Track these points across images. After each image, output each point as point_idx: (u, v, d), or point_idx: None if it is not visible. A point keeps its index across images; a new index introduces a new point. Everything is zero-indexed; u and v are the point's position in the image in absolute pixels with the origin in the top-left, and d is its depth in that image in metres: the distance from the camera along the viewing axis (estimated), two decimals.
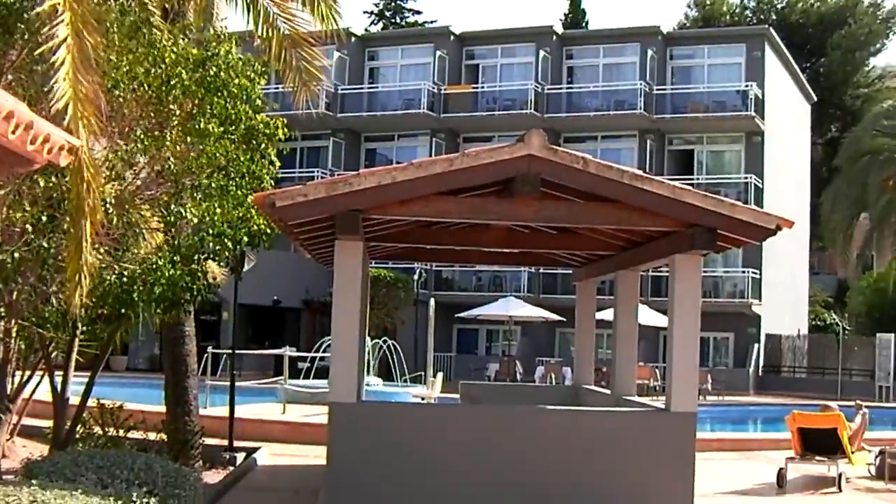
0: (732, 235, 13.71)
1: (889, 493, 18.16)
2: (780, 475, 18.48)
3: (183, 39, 14.09)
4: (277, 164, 15.72)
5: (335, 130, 54.18)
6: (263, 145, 15.10)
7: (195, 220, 14.06)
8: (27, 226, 11.74)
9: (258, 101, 15.16)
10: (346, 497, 13.31)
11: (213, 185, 14.06)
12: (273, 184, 15.59)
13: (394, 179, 12.70)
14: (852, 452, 18.68)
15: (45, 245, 11.87)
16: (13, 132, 6.65)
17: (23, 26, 11.60)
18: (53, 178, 11.58)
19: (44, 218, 11.89)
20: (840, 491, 17.98)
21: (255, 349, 40.84)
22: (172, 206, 13.52)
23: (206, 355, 26.28)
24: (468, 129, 53.74)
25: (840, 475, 18.19)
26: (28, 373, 15.45)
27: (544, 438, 13.87)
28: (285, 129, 15.44)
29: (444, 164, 12.88)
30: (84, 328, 14.82)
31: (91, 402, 16.22)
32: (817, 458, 18.79)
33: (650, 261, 15.92)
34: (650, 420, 14.52)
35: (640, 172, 13.60)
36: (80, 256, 9.73)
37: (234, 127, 14.40)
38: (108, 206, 11.36)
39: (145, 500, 9.18)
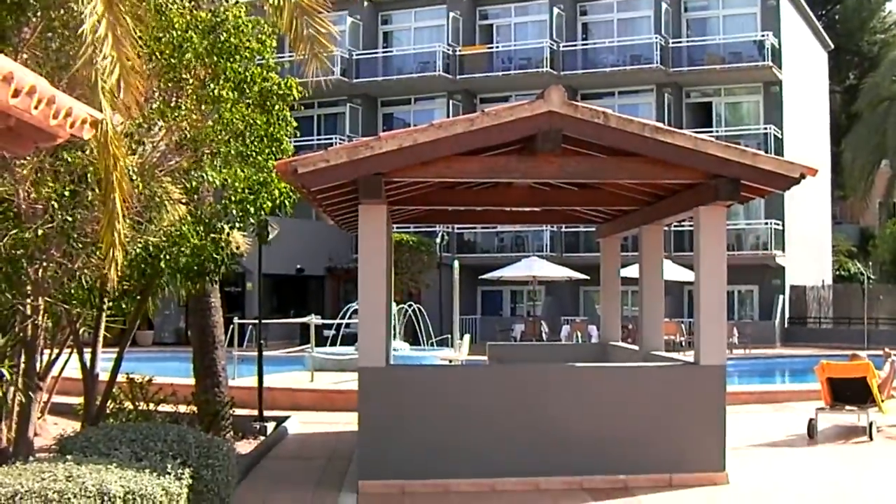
0: (756, 185, 13.63)
1: None
2: (811, 426, 18.43)
3: (190, 2, 14.00)
4: (294, 123, 15.65)
5: (351, 96, 54.09)
6: (278, 107, 15.03)
7: (217, 184, 14.02)
8: (51, 202, 11.73)
9: (271, 63, 15.09)
10: (378, 461, 13.34)
11: (233, 151, 14.02)
12: (294, 147, 15.56)
13: (415, 141, 12.66)
14: (882, 401, 18.62)
15: (70, 220, 11.86)
16: (35, 107, 6.62)
17: (36, 3, 11.55)
18: (78, 153, 11.56)
19: (67, 193, 11.88)
20: (871, 440, 17.90)
21: (279, 318, 40.93)
22: (193, 173, 13.49)
23: (231, 326, 26.33)
24: (484, 90, 53.58)
25: (871, 424, 18.10)
26: (56, 350, 15.45)
27: (575, 395, 13.87)
28: (299, 89, 15.37)
29: (465, 124, 12.82)
30: (110, 303, 14.82)
31: (120, 378, 16.24)
32: (847, 407, 18.72)
33: (674, 214, 15.84)
34: (680, 374, 14.49)
35: (661, 125, 13.52)
36: (113, 230, 9.71)
37: (248, 90, 14.34)
38: (131, 178, 11.32)
39: (179, 471, 9.18)
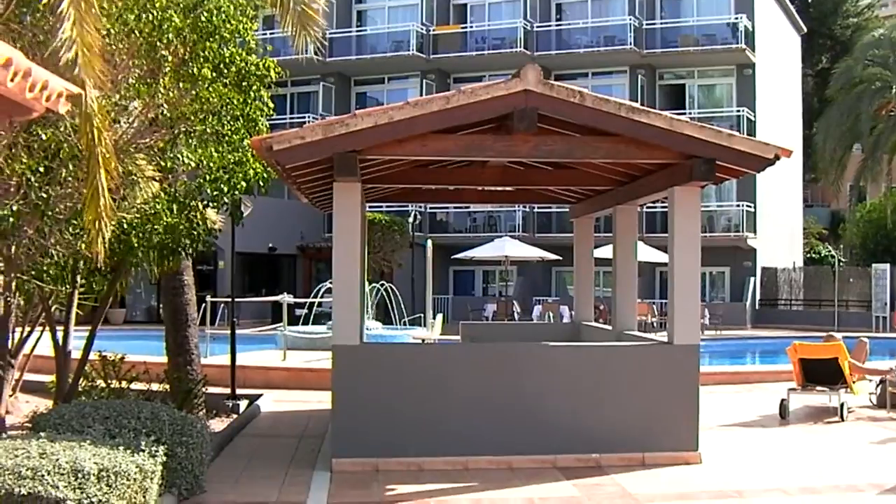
0: (731, 166, 13.67)
1: (891, 422, 18.18)
2: (783, 406, 18.53)
3: None
4: (271, 105, 15.63)
5: (325, 75, 54.03)
6: (256, 87, 15.00)
7: (192, 165, 13.98)
8: (25, 178, 11.66)
9: (252, 44, 15.05)
10: (352, 439, 13.34)
11: (208, 129, 13.98)
12: (268, 126, 15.53)
13: (390, 119, 12.63)
14: (853, 382, 18.73)
15: (45, 196, 11.79)
16: (11, 79, 6.57)
17: None
18: (52, 130, 11.49)
19: (41, 169, 11.81)
20: (842, 420, 18.02)
21: (251, 297, 40.87)
22: (168, 152, 13.44)
23: (204, 304, 26.27)
24: (458, 70, 53.62)
25: (842, 405, 18.22)
26: (28, 328, 15.40)
27: (549, 374, 13.90)
28: (277, 70, 15.34)
29: (440, 102, 12.79)
30: (83, 281, 14.77)
31: (92, 355, 16.18)
32: (819, 388, 18.83)
33: (648, 194, 15.86)
34: (654, 353, 14.51)
35: (636, 105, 13.52)
36: (99, 204, 9.67)
37: (226, 70, 14.29)
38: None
39: (154, 448, 9.18)
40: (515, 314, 44.66)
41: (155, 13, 12.95)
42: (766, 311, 50.80)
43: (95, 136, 9.42)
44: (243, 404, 19.16)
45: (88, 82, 9.09)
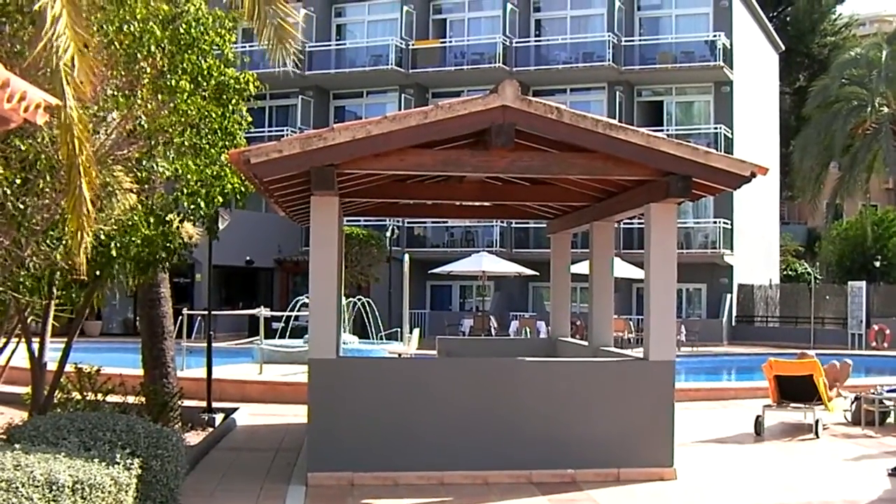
0: (707, 183, 13.74)
1: (865, 439, 18.27)
2: (758, 422, 18.59)
3: None
4: (249, 118, 15.65)
5: (304, 88, 54.02)
6: (234, 100, 15.01)
7: (168, 174, 13.95)
8: (2, 189, 11.62)
9: (230, 56, 15.06)
10: (327, 452, 13.33)
11: (186, 142, 13.97)
12: (246, 140, 15.53)
13: (368, 133, 12.66)
14: (829, 399, 18.80)
15: (21, 208, 11.76)
16: None
17: None
18: (28, 141, 11.46)
19: (18, 181, 11.77)
20: (817, 437, 18.09)
21: (228, 310, 40.78)
22: (145, 163, 13.42)
23: (180, 317, 26.21)
24: (437, 84, 53.63)
25: (817, 422, 18.29)
26: (4, 339, 15.33)
27: (525, 390, 13.91)
28: (256, 84, 15.36)
29: (418, 117, 12.83)
30: (59, 292, 14.71)
31: (68, 368, 16.12)
32: (794, 405, 18.90)
33: (625, 211, 15.92)
34: (630, 369, 14.54)
35: (614, 122, 13.58)
36: (80, 215, 9.64)
37: (205, 82, 14.30)
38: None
39: (129, 461, 9.14)
40: (492, 329, 44.65)
41: (136, 25, 12.95)
42: (742, 328, 50.89)
43: (76, 147, 9.39)
44: (219, 417, 19.12)
45: (69, 92, 9.08)
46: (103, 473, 8.54)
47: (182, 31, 13.72)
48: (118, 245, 13.43)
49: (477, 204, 19.61)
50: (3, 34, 11.56)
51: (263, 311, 29.02)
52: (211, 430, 18.21)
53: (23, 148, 11.59)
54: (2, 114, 6.87)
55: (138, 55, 12.93)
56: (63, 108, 8.64)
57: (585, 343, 18.35)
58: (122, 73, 12.83)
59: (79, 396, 16.57)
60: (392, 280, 43.57)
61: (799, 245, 73.45)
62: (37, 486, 7.90)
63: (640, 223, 39.07)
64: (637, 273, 36.37)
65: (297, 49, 14.22)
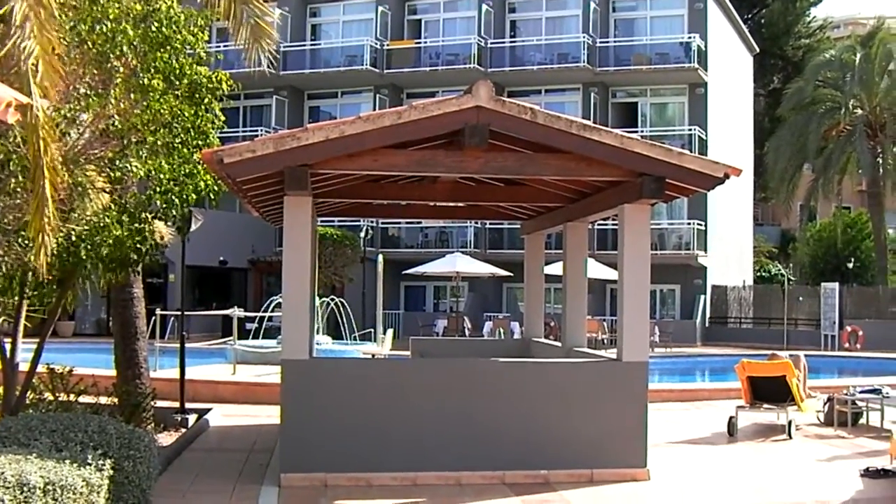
0: (681, 184, 13.77)
1: (838, 439, 18.33)
2: (731, 423, 18.63)
3: None
4: (222, 118, 15.62)
5: (278, 88, 53.93)
6: (207, 99, 14.98)
7: (141, 174, 13.90)
8: None
9: (202, 55, 15.02)
10: (301, 453, 13.30)
11: (159, 141, 13.93)
12: (219, 140, 15.49)
13: (342, 133, 12.64)
14: (801, 399, 18.86)
15: None
16: None
17: None
18: (0, 140, 11.40)
19: None
20: (790, 438, 18.13)
21: (202, 311, 40.69)
22: (118, 163, 13.37)
23: (153, 318, 26.13)
24: (411, 85, 53.64)
25: (790, 422, 18.33)
26: None
27: (498, 390, 13.91)
28: (229, 83, 15.33)
29: (392, 117, 12.81)
30: (31, 293, 14.65)
31: (40, 368, 16.04)
32: (766, 406, 18.95)
33: (599, 211, 15.95)
34: (603, 370, 14.55)
35: (588, 123, 13.58)
36: (42, 216, 9.59)
37: (178, 81, 14.26)
38: (54, 167, 11.20)
39: (101, 462, 9.12)
40: (466, 330, 44.68)
41: (108, 24, 12.90)
42: (715, 329, 51.02)
43: (41, 148, 9.35)
44: (192, 418, 19.03)
45: (36, 92, 9.04)
46: (75, 474, 8.52)
47: (154, 29, 13.68)
48: (88, 246, 13.38)
49: (451, 204, 19.61)
50: None
51: (237, 312, 28.96)
52: (184, 430, 18.13)
53: None
54: None
55: (111, 54, 12.89)
56: (30, 109, 8.60)
57: (559, 344, 18.35)
58: (95, 71, 12.78)
59: (51, 397, 16.50)
60: (366, 281, 43.51)
61: (772, 246, 73.71)
62: (8, 488, 7.86)
63: (613, 224, 39.14)
64: (611, 274, 36.43)
65: (273, 48, 14.22)
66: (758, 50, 63.85)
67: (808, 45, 77.52)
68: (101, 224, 13.27)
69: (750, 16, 75.59)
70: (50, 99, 9.89)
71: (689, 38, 49.69)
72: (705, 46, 50.00)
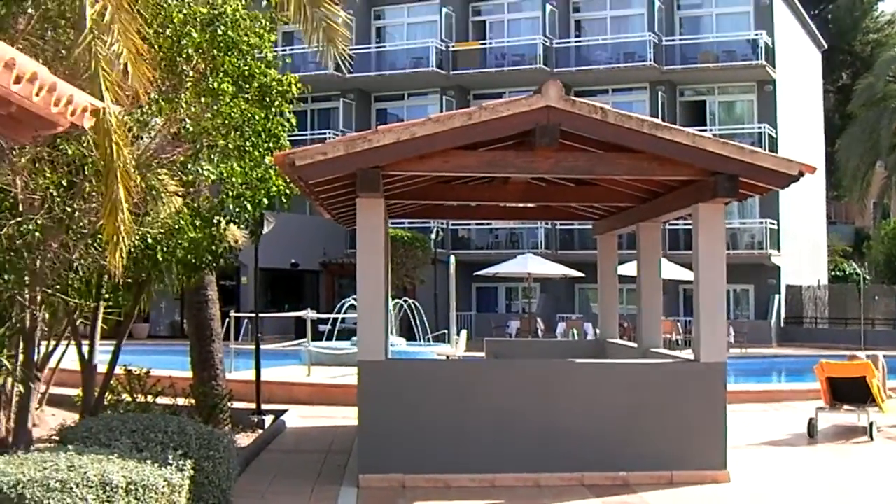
0: (754, 182, 13.62)
1: None
2: (811, 425, 18.38)
3: None
4: (293, 120, 15.70)
5: (345, 91, 54.13)
6: (277, 102, 15.05)
7: (213, 177, 13.99)
8: (49, 192, 11.71)
9: (269, 57, 15.11)
10: (378, 454, 13.31)
11: (230, 145, 14.01)
12: (290, 143, 15.56)
13: (413, 135, 12.65)
14: (882, 400, 18.58)
15: (69, 211, 11.84)
16: (37, 94, 6.60)
17: None
18: (75, 144, 11.53)
19: (64, 183, 11.85)
20: (871, 440, 17.81)
21: (274, 313, 40.91)
22: (190, 166, 13.47)
23: (227, 320, 26.30)
24: (478, 86, 53.54)
25: (871, 424, 17.99)
26: (54, 342, 15.43)
27: (576, 391, 13.85)
28: (298, 86, 15.39)
29: (462, 118, 12.80)
30: (108, 295, 14.80)
31: (117, 370, 16.22)
32: (847, 407, 18.69)
33: (672, 211, 15.83)
34: (681, 371, 14.42)
35: (659, 121, 13.52)
36: (116, 220, 9.68)
37: (247, 85, 14.35)
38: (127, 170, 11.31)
39: (181, 462, 9.18)
40: (539, 331, 44.53)
41: (174, 28, 13.01)
42: (791, 330, 50.43)
43: (114, 152, 9.44)
44: (269, 420, 19.15)
45: (108, 97, 9.12)
46: (156, 474, 8.58)
47: (220, 32, 13.76)
48: (164, 249, 13.50)
49: (521, 205, 19.58)
50: (46, 40, 11.63)
51: (310, 314, 29.09)
52: (261, 431, 18.24)
53: (69, 152, 11.67)
54: (49, 117, 6.91)
55: (178, 59, 12.99)
56: (102, 114, 8.69)
57: (634, 345, 18.24)
58: (165, 76, 12.89)
59: (129, 398, 16.69)
60: (437, 282, 43.57)
61: (846, 245, 72.80)
62: (91, 487, 7.94)
63: (685, 224, 38.84)
64: (684, 274, 36.27)
65: (345, 49, 14.26)
66: (826, 46, 63.09)
67: (877, 41, 76.51)
68: (177, 227, 13.38)
69: (817, 12, 74.76)
70: (124, 101, 9.99)
71: (756, 34, 49.19)
72: (773, 43, 49.47)
